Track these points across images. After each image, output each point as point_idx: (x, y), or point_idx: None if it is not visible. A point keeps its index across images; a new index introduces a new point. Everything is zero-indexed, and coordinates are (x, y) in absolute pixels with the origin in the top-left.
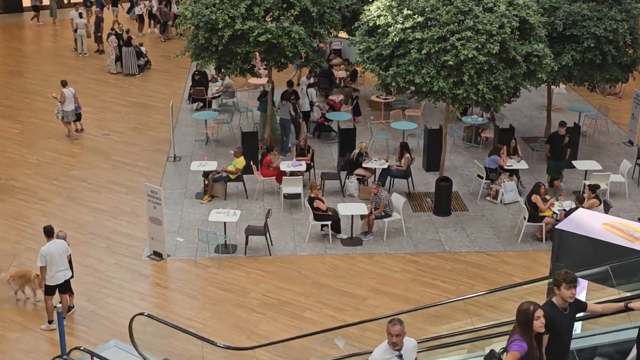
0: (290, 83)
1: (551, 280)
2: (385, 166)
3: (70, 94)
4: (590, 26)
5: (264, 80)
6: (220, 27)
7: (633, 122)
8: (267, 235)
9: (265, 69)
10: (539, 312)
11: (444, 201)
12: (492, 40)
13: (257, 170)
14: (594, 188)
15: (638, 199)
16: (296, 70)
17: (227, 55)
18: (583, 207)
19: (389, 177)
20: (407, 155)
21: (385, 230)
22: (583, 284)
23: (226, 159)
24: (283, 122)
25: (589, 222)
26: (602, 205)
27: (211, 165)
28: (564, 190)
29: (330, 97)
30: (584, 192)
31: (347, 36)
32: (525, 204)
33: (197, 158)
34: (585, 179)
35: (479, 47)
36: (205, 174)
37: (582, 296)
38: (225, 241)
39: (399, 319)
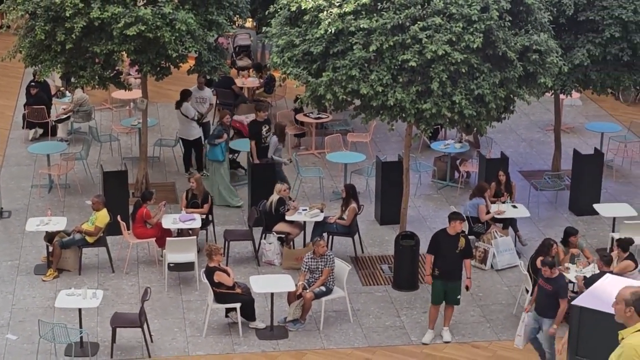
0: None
1: None
2: (320, 218)
3: None
4: (613, 7)
5: (135, 93)
6: (68, 15)
7: None
8: (145, 327)
9: (137, 77)
10: None
11: (407, 269)
12: (471, 30)
13: (128, 229)
14: (625, 244)
15: None
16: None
17: (80, 58)
18: (611, 273)
19: (325, 235)
20: (354, 204)
21: (322, 314)
22: None
23: (81, 214)
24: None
25: None
26: (638, 268)
27: (57, 224)
28: (584, 248)
29: (236, 117)
30: (611, 251)
31: (258, 27)
32: (528, 270)
33: (36, 213)
34: (613, 231)
35: (453, 40)
36: (49, 237)
37: None
38: (82, 338)
39: None
